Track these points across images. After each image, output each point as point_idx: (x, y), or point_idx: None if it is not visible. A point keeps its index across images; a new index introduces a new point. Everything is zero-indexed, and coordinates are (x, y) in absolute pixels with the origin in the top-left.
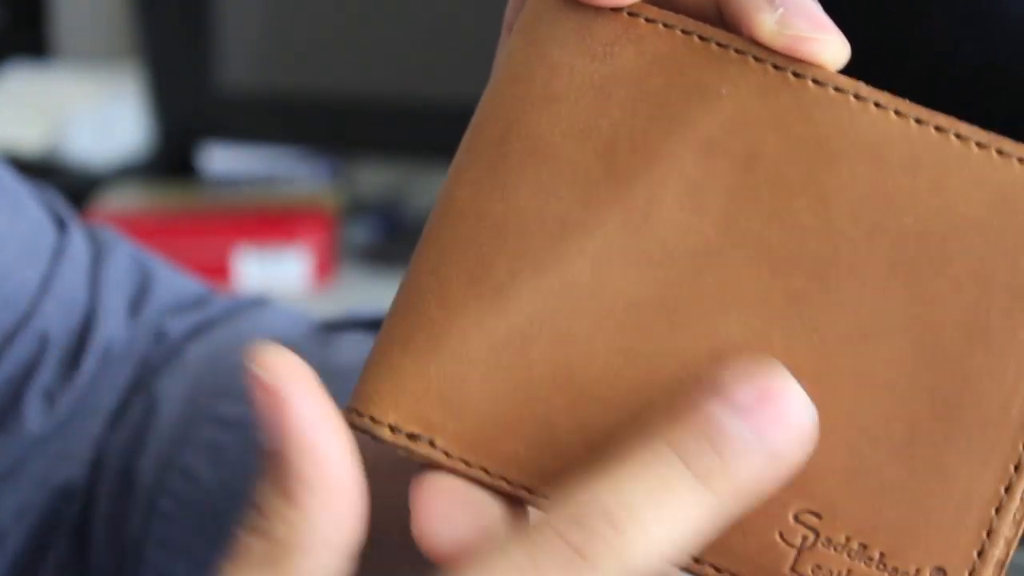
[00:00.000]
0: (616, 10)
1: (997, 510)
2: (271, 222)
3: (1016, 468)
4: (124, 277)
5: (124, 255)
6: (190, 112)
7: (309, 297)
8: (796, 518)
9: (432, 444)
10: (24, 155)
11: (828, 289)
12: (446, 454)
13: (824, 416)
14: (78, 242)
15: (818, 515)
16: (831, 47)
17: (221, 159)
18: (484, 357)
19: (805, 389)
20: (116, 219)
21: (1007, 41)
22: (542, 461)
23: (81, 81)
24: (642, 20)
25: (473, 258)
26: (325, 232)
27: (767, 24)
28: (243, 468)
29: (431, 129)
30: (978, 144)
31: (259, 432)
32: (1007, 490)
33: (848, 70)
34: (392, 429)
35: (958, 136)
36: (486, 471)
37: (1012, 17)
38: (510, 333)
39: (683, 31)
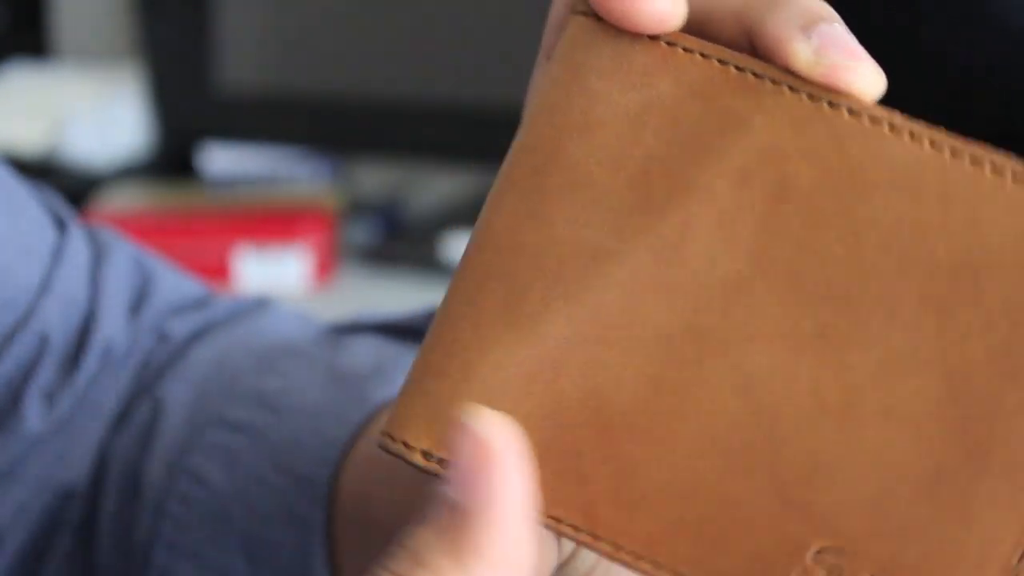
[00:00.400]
0: (654, 39)
1: (1021, 557)
2: (271, 222)
3: None
4: (124, 278)
5: (124, 256)
6: (190, 112)
7: (309, 297)
8: (817, 556)
9: None
10: (24, 155)
11: (857, 322)
12: None
13: (850, 452)
14: (78, 243)
15: (840, 552)
16: (867, 76)
17: (221, 159)
18: (516, 385)
19: (831, 425)
20: (116, 219)
21: (1003, 44)
22: (569, 490)
23: (81, 81)
24: (680, 49)
25: (507, 287)
26: (325, 232)
27: (803, 54)
28: (254, 473)
29: (431, 129)
30: (1013, 176)
31: (441, 483)
32: None
33: None
34: (425, 455)
35: (993, 167)
36: None
37: (1009, 20)
38: (542, 362)
39: (720, 61)
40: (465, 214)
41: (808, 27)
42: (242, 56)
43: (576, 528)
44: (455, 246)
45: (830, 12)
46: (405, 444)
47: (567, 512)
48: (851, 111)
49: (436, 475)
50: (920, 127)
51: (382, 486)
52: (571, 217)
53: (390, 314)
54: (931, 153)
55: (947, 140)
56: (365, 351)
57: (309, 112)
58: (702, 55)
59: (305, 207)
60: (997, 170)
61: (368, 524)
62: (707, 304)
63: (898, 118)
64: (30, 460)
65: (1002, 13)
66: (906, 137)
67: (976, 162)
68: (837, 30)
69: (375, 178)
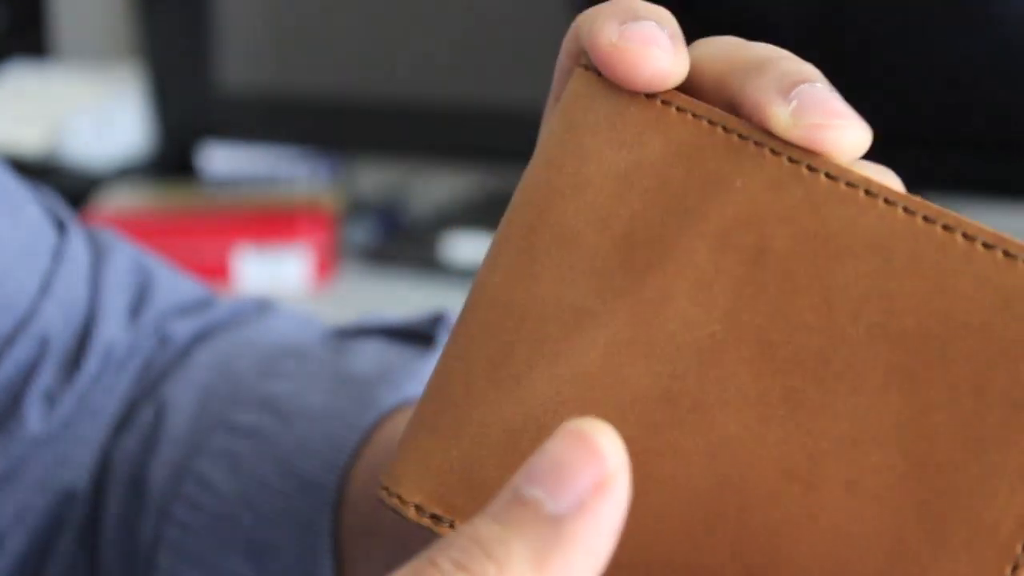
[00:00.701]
0: (651, 97)
1: None
2: (271, 222)
3: None
4: (124, 279)
5: (124, 257)
6: (190, 112)
7: (309, 297)
8: None
9: (452, 527)
10: (24, 155)
11: (825, 391)
12: None
13: (812, 524)
14: (78, 244)
15: None
16: (848, 132)
17: (221, 159)
18: (502, 443)
19: (795, 495)
20: (116, 219)
21: (1003, 44)
22: None
23: (81, 81)
24: (673, 109)
25: (496, 345)
26: (325, 232)
27: (781, 117)
28: (260, 477)
29: (431, 129)
30: (984, 245)
31: (529, 484)
32: None
33: (848, 70)
34: (417, 509)
35: (965, 236)
36: None
37: (1008, 20)
38: (526, 421)
39: (709, 121)
40: (465, 214)
41: (787, 90)
42: (242, 56)
43: None
44: (455, 246)
45: (812, 72)
46: (399, 498)
47: None
48: (829, 175)
49: (427, 529)
50: (896, 193)
51: None
52: (557, 276)
53: (394, 317)
54: (904, 219)
55: (922, 207)
56: (370, 354)
57: (309, 112)
58: (693, 115)
59: (305, 207)
60: (969, 238)
61: (376, 529)
62: (682, 368)
63: (875, 184)
64: (31, 462)
65: (1002, 14)
66: (881, 203)
67: (949, 230)
68: (818, 90)
69: (375, 178)
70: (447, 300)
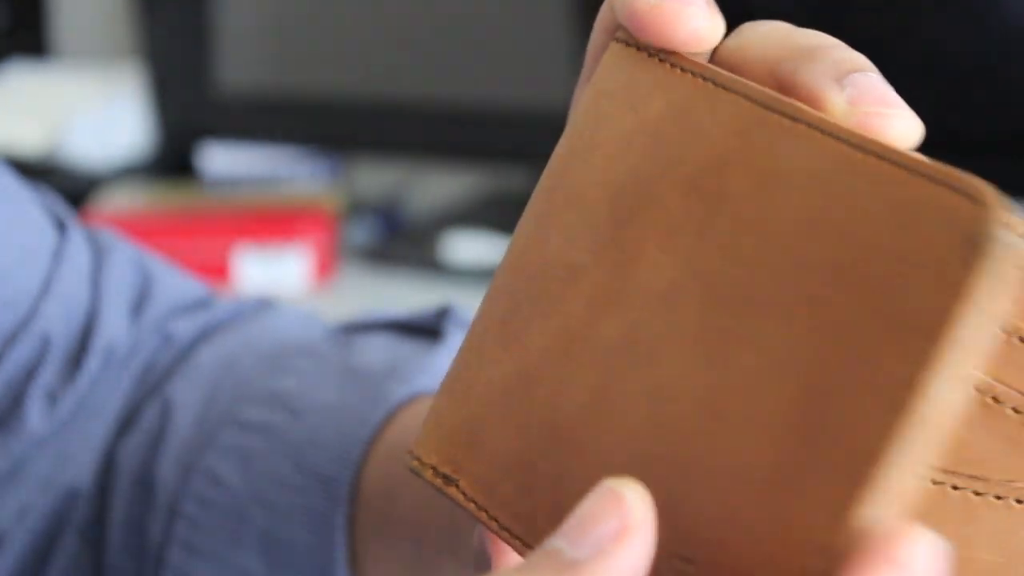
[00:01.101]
0: (663, 62)
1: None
2: (271, 222)
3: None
4: (125, 279)
5: (124, 257)
6: (190, 112)
7: (309, 297)
8: (671, 563)
9: (457, 486)
10: (24, 155)
11: (751, 327)
12: (464, 495)
13: (714, 461)
14: (78, 244)
15: (690, 561)
16: (901, 121)
17: (221, 159)
18: (499, 401)
19: (712, 431)
20: (116, 219)
21: (1001, 41)
22: (521, 504)
23: (81, 81)
24: (678, 70)
25: (507, 306)
26: (325, 232)
27: (838, 103)
28: (271, 473)
29: (431, 129)
30: (891, 163)
31: (559, 538)
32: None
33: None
34: (433, 471)
35: (877, 156)
36: (486, 512)
37: (1007, 18)
38: (520, 377)
39: (703, 78)
40: (465, 214)
41: (841, 77)
42: (242, 56)
43: (519, 539)
44: (455, 246)
45: (864, 62)
46: (419, 461)
47: (516, 526)
48: (792, 117)
49: (440, 491)
50: (837, 127)
51: (407, 485)
52: (563, 235)
53: (399, 312)
54: (836, 149)
55: (848, 134)
56: (378, 349)
57: (309, 112)
58: (692, 74)
59: (305, 207)
60: (879, 157)
61: (389, 524)
62: (646, 315)
63: (827, 121)
64: (32, 461)
65: (1002, 12)
66: (830, 140)
67: (864, 151)
68: (872, 79)
69: (375, 178)
70: (447, 300)
